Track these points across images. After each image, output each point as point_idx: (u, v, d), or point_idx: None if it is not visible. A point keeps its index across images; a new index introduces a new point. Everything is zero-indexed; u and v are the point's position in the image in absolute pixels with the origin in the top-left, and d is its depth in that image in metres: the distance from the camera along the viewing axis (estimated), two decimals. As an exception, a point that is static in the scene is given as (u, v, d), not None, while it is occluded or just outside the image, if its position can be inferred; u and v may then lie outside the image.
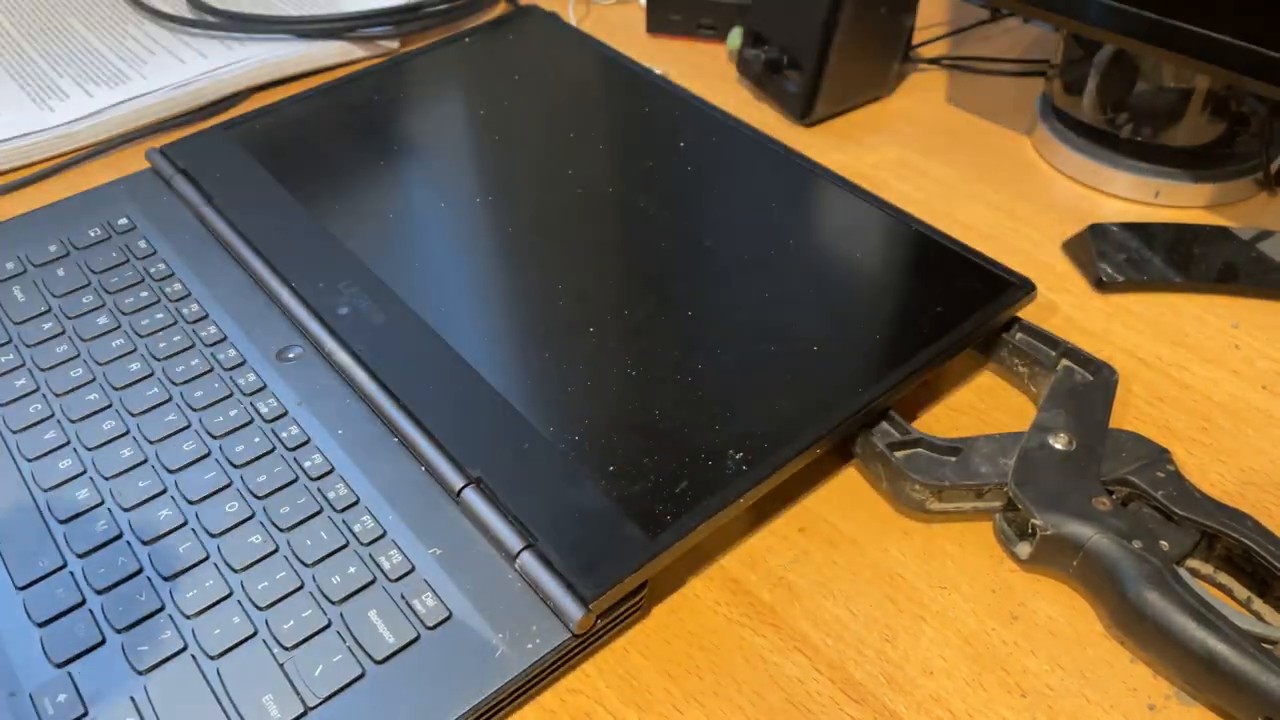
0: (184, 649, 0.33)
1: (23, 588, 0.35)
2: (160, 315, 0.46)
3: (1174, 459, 0.38)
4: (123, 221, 0.51)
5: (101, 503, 0.38)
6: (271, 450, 0.40)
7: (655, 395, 0.40)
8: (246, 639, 0.34)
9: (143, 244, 0.50)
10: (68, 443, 0.40)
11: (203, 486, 0.38)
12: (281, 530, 0.37)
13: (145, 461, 0.39)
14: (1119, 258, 0.49)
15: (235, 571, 0.35)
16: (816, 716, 0.33)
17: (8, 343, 0.45)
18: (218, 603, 0.35)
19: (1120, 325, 0.47)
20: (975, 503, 0.39)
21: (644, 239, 0.48)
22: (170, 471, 0.39)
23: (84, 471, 0.39)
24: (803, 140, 0.60)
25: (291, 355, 0.44)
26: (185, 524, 0.37)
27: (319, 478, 0.39)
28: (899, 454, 0.39)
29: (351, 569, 0.35)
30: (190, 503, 0.38)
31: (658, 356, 0.42)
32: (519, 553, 0.35)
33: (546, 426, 0.39)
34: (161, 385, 0.42)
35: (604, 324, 0.43)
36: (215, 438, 0.40)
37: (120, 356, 0.44)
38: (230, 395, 0.42)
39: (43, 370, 0.43)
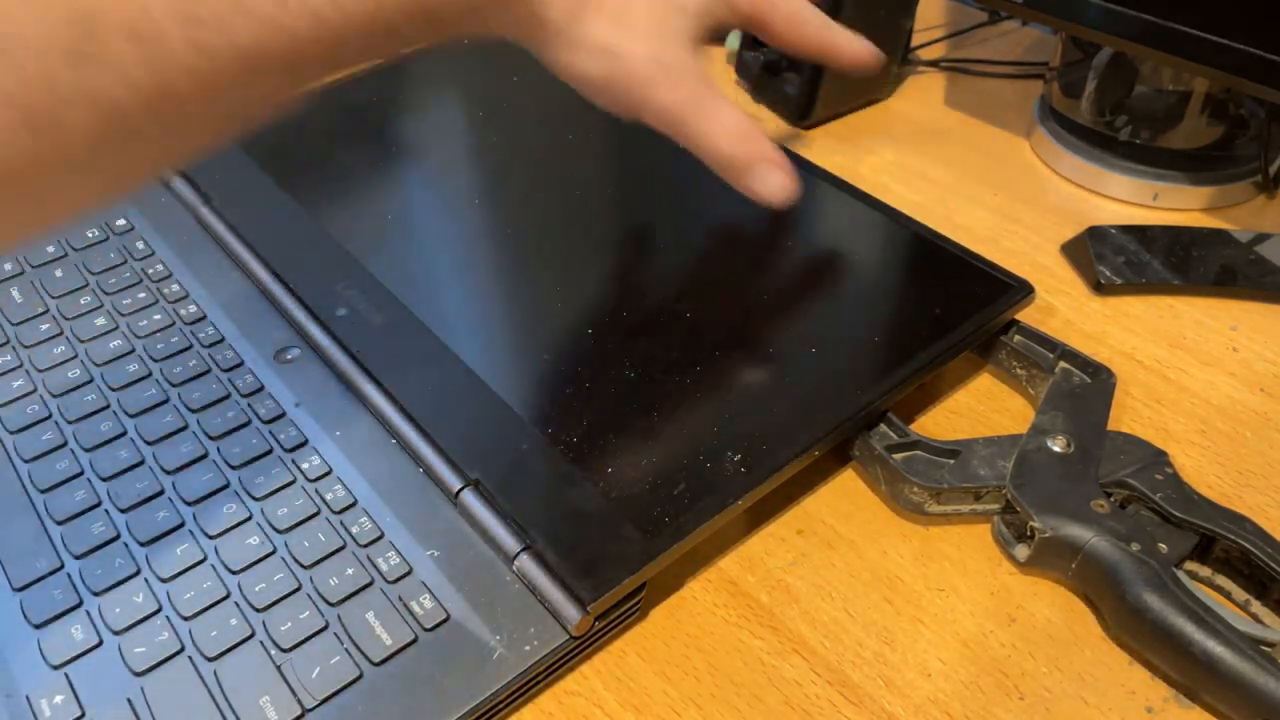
0: (181, 650, 0.33)
1: (20, 589, 0.35)
2: (158, 316, 0.46)
3: (1172, 461, 0.38)
4: (120, 222, 0.51)
5: (99, 504, 0.38)
6: (269, 451, 0.40)
7: (653, 397, 0.40)
8: (244, 640, 0.34)
9: (140, 245, 0.50)
10: (65, 443, 0.40)
11: (200, 487, 0.38)
12: (279, 532, 0.37)
13: (142, 462, 0.39)
14: (1117, 260, 0.49)
15: (233, 573, 0.35)
16: (814, 719, 0.33)
17: (5, 343, 0.45)
18: (215, 604, 0.35)
19: (1118, 328, 0.47)
20: (973, 505, 0.39)
21: (642, 241, 0.48)
22: (168, 472, 0.39)
23: (81, 473, 0.39)
24: (801, 143, 0.60)
25: (289, 356, 0.44)
26: (182, 525, 0.37)
27: (317, 479, 0.38)
28: (897, 456, 0.39)
29: (349, 570, 0.35)
30: (188, 504, 0.38)
31: (656, 358, 0.42)
32: (517, 554, 0.35)
33: (545, 428, 0.39)
34: (159, 386, 0.42)
35: (602, 326, 0.43)
36: (213, 438, 0.40)
37: (118, 357, 0.44)
38: (228, 396, 0.42)
39: (40, 371, 0.43)
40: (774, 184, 0.40)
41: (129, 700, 0.32)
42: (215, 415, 0.41)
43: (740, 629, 0.36)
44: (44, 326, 0.45)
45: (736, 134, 0.40)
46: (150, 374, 0.43)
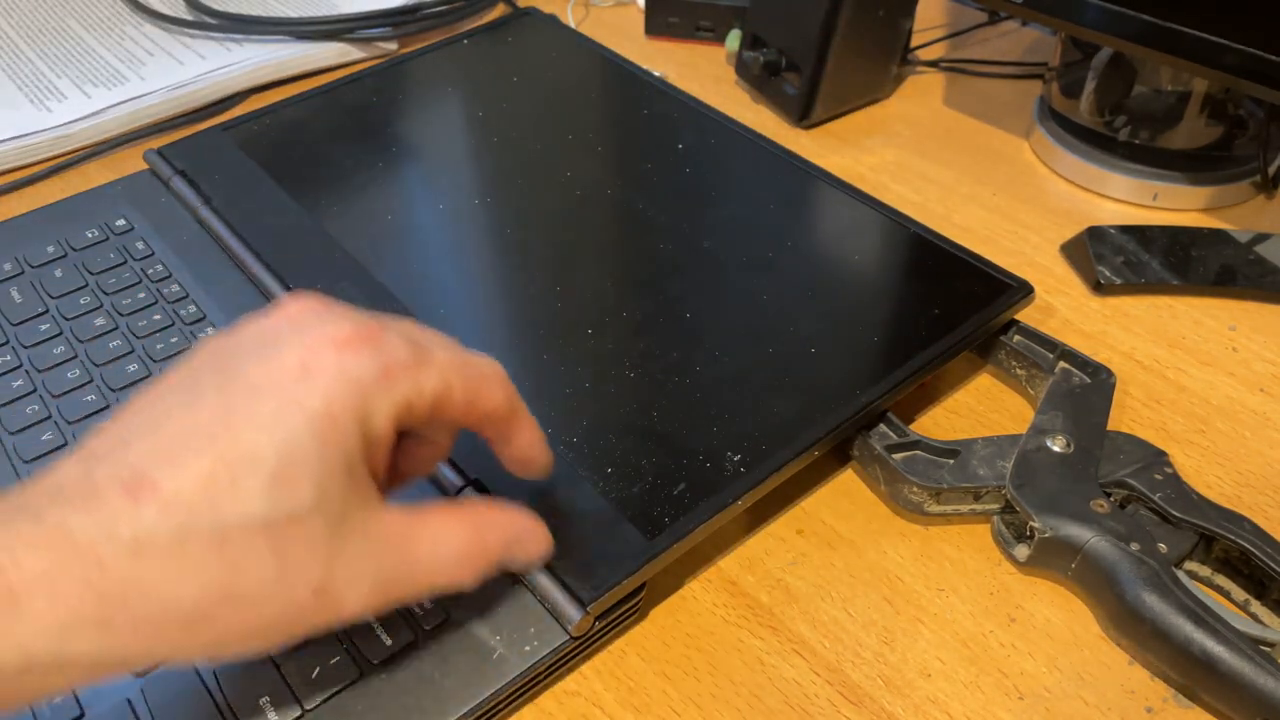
0: (181, 651, 0.33)
1: (19, 589, 0.35)
2: (158, 316, 0.46)
3: (1172, 461, 0.38)
4: (120, 222, 0.51)
5: (98, 504, 0.38)
6: (269, 452, 0.39)
7: (653, 397, 0.40)
8: (244, 641, 0.34)
9: (140, 245, 0.49)
10: (65, 444, 0.40)
11: (200, 488, 0.38)
12: (279, 532, 0.37)
13: (142, 463, 0.39)
14: (1117, 260, 0.49)
15: (232, 573, 0.35)
16: (814, 719, 0.33)
17: (5, 343, 0.45)
18: (215, 604, 0.34)
19: (1118, 328, 0.47)
20: (973, 505, 0.39)
21: (642, 241, 0.48)
22: (167, 473, 0.39)
23: (81, 473, 0.39)
24: (801, 142, 0.60)
25: (289, 356, 0.44)
26: (182, 525, 0.37)
27: (317, 479, 0.38)
28: (897, 456, 0.39)
29: (349, 571, 0.35)
30: (187, 504, 0.38)
31: (656, 358, 0.42)
32: (517, 554, 0.35)
33: (544, 428, 0.39)
34: (159, 386, 0.42)
35: (602, 326, 0.43)
36: (213, 439, 0.40)
37: (118, 357, 0.44)
38: (228, 396, 0.42)
39: (40, 371, 0.43)
40: (535, 554, 0.32)
41: (128, 700, 0.32)
42: (215, 415, 0.41)
43: (740, 629, 0.36)
44: (44, 326, 0.45)
45: (461, 557, 0.29)
46: (150, 374, 0.43)
